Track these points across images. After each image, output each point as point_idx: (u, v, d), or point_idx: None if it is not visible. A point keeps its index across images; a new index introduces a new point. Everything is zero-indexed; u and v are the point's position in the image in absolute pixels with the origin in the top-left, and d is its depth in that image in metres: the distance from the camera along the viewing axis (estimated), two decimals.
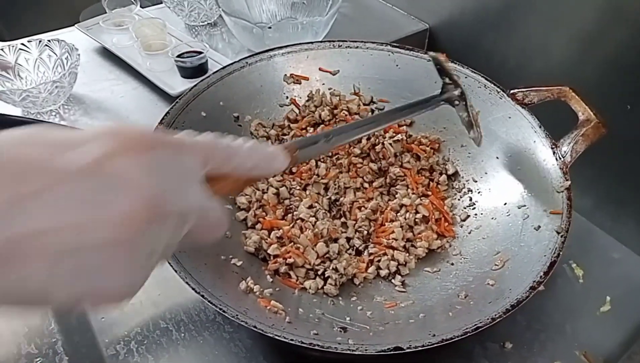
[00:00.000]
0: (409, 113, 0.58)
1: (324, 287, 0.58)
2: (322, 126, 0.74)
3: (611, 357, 0.58)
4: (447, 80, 0.61)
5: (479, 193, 0.67)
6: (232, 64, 0.71)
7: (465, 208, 0.67)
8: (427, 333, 0.48)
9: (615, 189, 0.73)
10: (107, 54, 0.98)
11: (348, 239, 0.63)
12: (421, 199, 0.66)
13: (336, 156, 0.71)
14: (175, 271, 0.50)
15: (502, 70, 0.86)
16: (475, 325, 0.47)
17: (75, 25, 1.02)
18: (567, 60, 0.77)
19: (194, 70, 0.88)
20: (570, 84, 0.62)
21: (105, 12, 1.02)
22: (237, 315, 0.47)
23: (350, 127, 0.52)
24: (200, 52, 0.88)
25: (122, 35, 0.99)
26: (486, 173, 0.67)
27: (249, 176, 0.37)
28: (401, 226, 0.63)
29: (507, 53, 0.87)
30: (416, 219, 0.64)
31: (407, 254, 0.62)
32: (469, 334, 0.46)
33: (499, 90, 0.68)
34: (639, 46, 0.65)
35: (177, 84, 0.88)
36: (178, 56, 0.88)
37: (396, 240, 0.62)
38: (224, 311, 0.47)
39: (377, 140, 0.72)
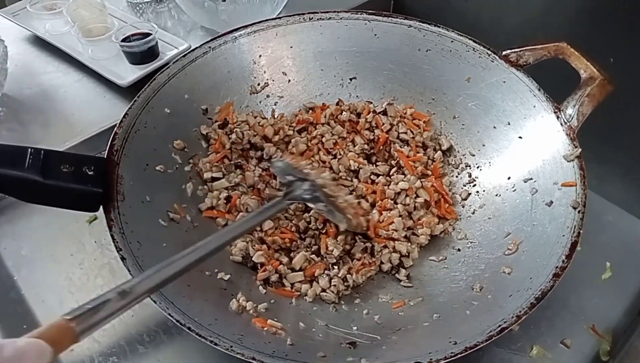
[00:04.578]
0: (246, 228, 0.50)
1: (322, 294, 0.52)
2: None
3: (618, 327, 0.56)
4: (290, 178, 0.56)
5: (478, 167, 0.62)
6: (193, 50, 0.62)
7: (464, 186, 0.62)
8: (446, 339, 0.43)
9: (598, 146, 0.69)
10: (41, 43, 0.86)
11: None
12: (421, 181, 0.60)
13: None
14: (155, 301, 0.43)
15: (476, 29, 0.80)
16: (500, 325, 0.43)
17: None
18: (544, 13, 0.71)
19: (143, 55, 0.78)
20: (549, 38, 0.57)
21: None
22: (231, 347, 0.41)
23: (159, 271, 0.40)
24: (148, 34, 0.78)
25: (56, 21, 0.86)
26: (484, 145, 0.62)
27: None
28: (400, 215, 0.57)
29: (481, 9, 0.81)
30: (416, 204, 0.58)
31: (409, 243, 0.57)
32: (494, 338, 0.42)
33: (489, 52, 0.62)
34: None
35: (127, 72, 0.77)
36: (123, 40, 0.78)
37: (396, 230, 0.56)
38: (215, 343, 0.42)
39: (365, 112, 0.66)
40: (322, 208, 0.55)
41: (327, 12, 0.67)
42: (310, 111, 0.68)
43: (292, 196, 0.54)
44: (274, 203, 0.53)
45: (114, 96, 0.77)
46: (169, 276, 0.40)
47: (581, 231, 0.48)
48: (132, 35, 0.79)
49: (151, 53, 0.79)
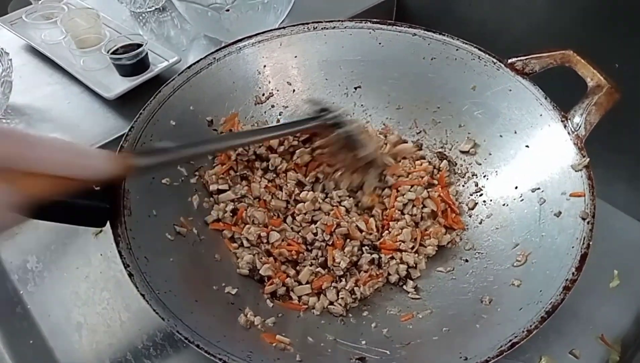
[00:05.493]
0: (288, 130, 0.59)
1: (330, 307, 0.52)
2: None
3: (627, 336, 0.55)
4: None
5: (484, 177, 0.61)
6: (197, 62, 0.62)
7: (471, 195, 0.61)
8: (457, 355, 0.43)
9: (604, 152, 0.68)
10: (42, 53, 0.86)
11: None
12: (428, 191, 0.60)
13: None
14: (163, 319, 0.43)
15: (479, 36, 0.79)
16: (510, 340, 0.42)
17: None
18: (548, 20, 0.71)
19: (133, 67, 0.77)
20: (555, 45, 0.57)
21: (31, 4, 0.89)
22: None
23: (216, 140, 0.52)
24: (138, 46, 0.77)
25: (52, 30, 0.85)
26: (490, 154, 0.61)
27: (60, 176, 0.35)
28: (407, 225, 0.57)
29: (485, 16, 0.80)
30: (423, 215, 0.58)
31: (416, 254, 0.56)
32: (505, 353, 0.42)
33: (495, 61, 0.62)
34: None
35: (115, 85, 0.76)
36: (114, 52, 0.77)
37: (404, 241, 0.55)
38: (225, 361, 0.41)
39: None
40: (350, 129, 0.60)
41: (332, 21, 0.67)
42: None
43: (326, 117, 0.59)
44: (309, 118, 0.60)
45: (119, 108, 0.77)
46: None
47: (591, 243, 0.47)
48: (123, 47, 0.78)
49: (141, 65, 0.78)
